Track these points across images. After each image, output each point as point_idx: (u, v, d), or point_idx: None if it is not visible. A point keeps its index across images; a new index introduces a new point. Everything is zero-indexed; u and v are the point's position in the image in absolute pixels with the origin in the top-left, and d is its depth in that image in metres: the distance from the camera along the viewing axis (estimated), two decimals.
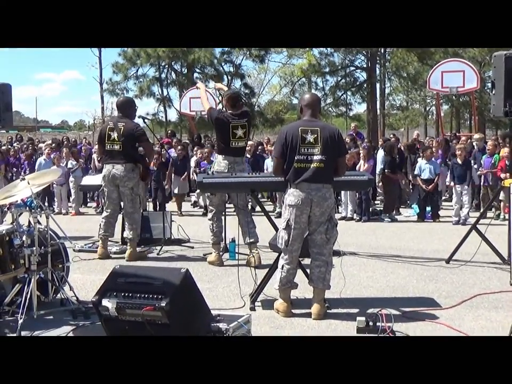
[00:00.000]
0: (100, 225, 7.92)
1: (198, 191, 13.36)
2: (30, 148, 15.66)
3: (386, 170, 11.62)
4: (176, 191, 12.50)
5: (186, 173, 12.73)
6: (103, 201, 8.02)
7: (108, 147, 7.62)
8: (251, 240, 7.09)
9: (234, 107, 7.13)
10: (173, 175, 12.45)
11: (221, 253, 7.45)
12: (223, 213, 7.49)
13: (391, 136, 18.15)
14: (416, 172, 11.46)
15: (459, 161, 11.06)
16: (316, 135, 5.02)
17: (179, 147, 13.14)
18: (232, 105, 7.14)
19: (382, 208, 11.89)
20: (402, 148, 13.73)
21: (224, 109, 7.37)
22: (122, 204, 7.87)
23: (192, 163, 13.74)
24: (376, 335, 4.48)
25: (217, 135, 7.35)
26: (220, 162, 7.12)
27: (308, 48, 29.76)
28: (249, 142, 11.60)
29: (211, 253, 7.43)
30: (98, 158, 12.60)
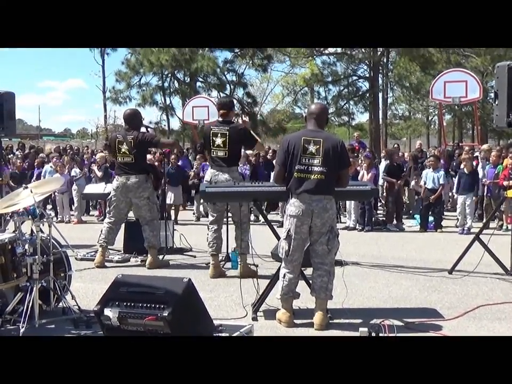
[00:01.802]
0: (101, 231, 7.90)
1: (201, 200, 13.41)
2: (38, 156, 15.64)
3: (383, 174, 11.66)
4: (169, 201, 12.36)
5: (181, 183, 12.76)
6: (108, 208, 7.97)
7: (120, 159, 7.67)
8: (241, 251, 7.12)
9: (219, 113, 7.20)
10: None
11: (221, 263, 7.43)
12: (223, 222, 7.39)
13: (395, 146, 18.18)
14: (423, 180, 11.45)
15: (466, 171, 11.06)
16: (318, 146, 5.01)
17: (172, 156, 13.06)
18: (218, 111, 7.23)
19: (384, 218, 11.87)
20: (406, 158, 13.74)
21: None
22: (136, 214, 7.90)
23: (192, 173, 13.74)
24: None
25: None
26: (207, 172, 7.23)
27: (310, 58, 29.87)
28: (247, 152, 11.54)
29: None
30: (97, 166, 12.74)
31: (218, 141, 7.01)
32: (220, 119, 7.19)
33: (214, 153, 7.05)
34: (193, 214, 13.44)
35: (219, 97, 27.11)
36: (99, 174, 12.71)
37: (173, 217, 12.11)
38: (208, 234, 7.22)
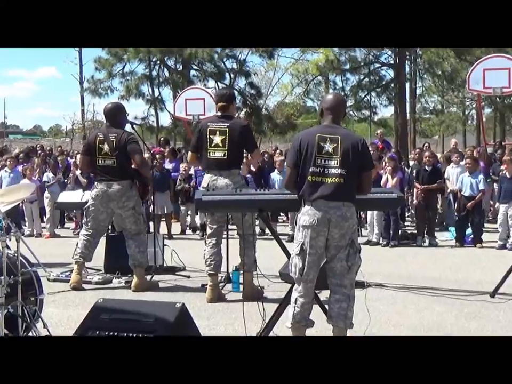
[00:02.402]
0: (77, 244, 7.90)
1: (182, 211, 13.35)
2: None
3: (415, 181, 11.71)
4: (157, 211, 12.27)
5: (168, 188, 12.76)
6: (85, 219, 7.94)
7: (100, 162, 7.65)
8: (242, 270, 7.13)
9: (217, 106, 7.21)
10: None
11: (220, 285, 7.43)
12: (223, 236, 7.38)
13: (426, 145, 18.18)
14: (457, 186, 11.44)
15: (507, 175, 11.03)
16: (335, 145, 5.01)
17: (157, 156, 12.96)
18: (216, 104, 7.25)
19: (415, 231, 11.85)
20: (440, 159, 13.73)
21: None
22: (118, 226, 7.90)
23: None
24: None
25: None
26: (204, 177, 7.23)
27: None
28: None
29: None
30: (80, 172, 12.62)
31: (217, 139, 7.00)
32: (219, 113, 7.21)
33: (211, 154, 7.05)
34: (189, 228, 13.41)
35: (217, 88, 27.30)
36: (83, 180, 12.60)
37: (162, 231, 12.13)
38: (205, 250, 7.22)
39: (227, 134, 6.98)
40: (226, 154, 7.01)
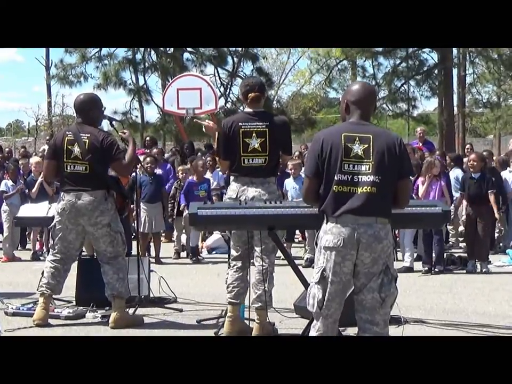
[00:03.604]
0: (42, 273, 7.90)
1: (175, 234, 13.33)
2: None
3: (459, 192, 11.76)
4: (144, 228, 12.35)
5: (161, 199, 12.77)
6: (51, 241, 7.94)
7: (69, 168, 7.63)
8: (257, 305, 7.06)
9: (249, 100, 7.05)
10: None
11: (220, 320, 7.44)
12: (250, 259, 7.25)
13: (467, 147, 18.11)
14: None
15: None
16: (366, 145, 5.01)
17: (147, 159, 12.81)
18: (246, 98, 7.09)
19: (466, 254, 11.82)
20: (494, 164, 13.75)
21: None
22: (88, 249, 7.90)
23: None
24: None
25: None
26: (230, 186, 7.11)
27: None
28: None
29: (210, 319, 7.41)
30: (46, 180, 12.56)
31: (254, 143, 6.93)
32: (249, 109, 7.12)
33: (248, 162, 6.98)
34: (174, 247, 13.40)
35: (217, 75, 27.37)
36: (50, 190, 12.60)
37: (149, 253, 12.16)
38: (227, 274, 7.22)
39: (267, 136, 6.93)
40: (267, 160, 6.98)
